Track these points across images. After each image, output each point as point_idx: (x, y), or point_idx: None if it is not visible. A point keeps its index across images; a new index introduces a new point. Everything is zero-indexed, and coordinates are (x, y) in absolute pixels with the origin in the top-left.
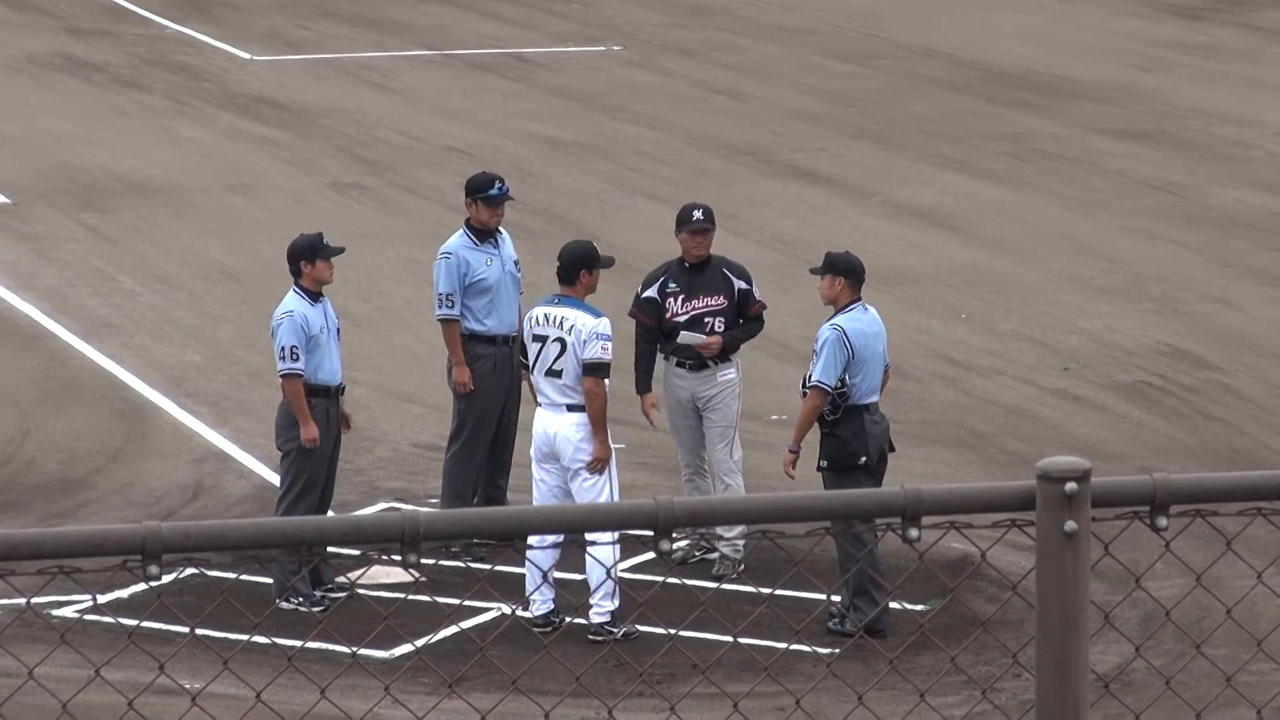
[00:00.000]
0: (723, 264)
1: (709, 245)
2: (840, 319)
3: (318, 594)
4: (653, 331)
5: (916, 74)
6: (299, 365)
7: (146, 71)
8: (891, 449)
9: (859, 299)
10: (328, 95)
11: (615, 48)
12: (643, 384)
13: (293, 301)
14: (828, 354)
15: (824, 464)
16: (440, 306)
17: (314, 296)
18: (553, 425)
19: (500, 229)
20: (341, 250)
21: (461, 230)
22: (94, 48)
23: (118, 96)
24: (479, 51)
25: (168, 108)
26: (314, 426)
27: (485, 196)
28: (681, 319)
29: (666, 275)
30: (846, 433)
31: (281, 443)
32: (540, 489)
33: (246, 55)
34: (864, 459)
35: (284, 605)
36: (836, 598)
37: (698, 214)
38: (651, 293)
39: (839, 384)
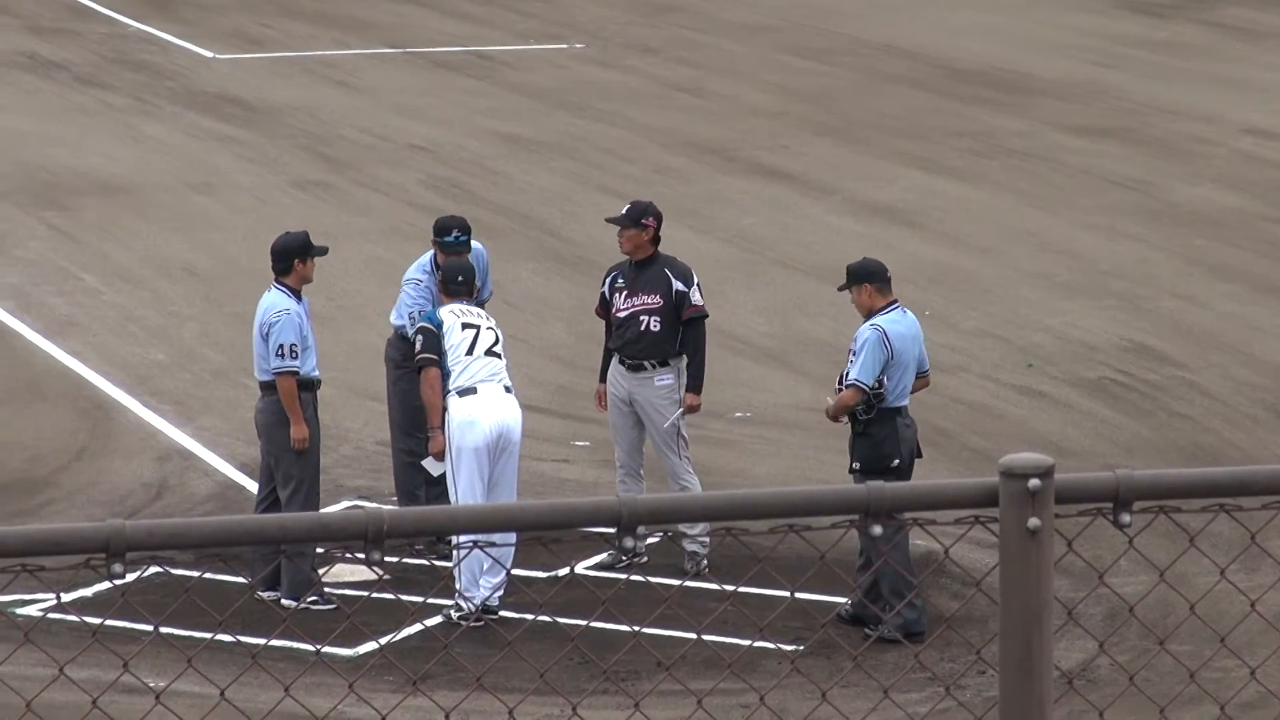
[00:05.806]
0: (667, 264)
1: (637, 242)
2: (880, 319)
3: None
4: (607, 325)
5: (878, 71)
6: (296, 363)
7: (109, 70)
8: (919, 454)
9: (895, 300)
10: (290, 93)
11: (578, 45)
12: (601, 374)
13: (284, 300)
14: (868, 353)
15: (857, 466)
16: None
17: (298, 295)
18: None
19: None
20: (326, 250)
21: (431, 257)
22: (57, 46)
23: (80, 95)
24: (442, 49)
25: (130, 106)
26: (305, 426)
27: (441, 242)
28: (623, 314)
29: (618, 271)
30: (880, 434)
31: (273, 446)
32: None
33: (209, 54)
34: (896, 461)
35: (291, 604)
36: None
37: (624, 209)
38: (604, 288)
39: (876, 384)
